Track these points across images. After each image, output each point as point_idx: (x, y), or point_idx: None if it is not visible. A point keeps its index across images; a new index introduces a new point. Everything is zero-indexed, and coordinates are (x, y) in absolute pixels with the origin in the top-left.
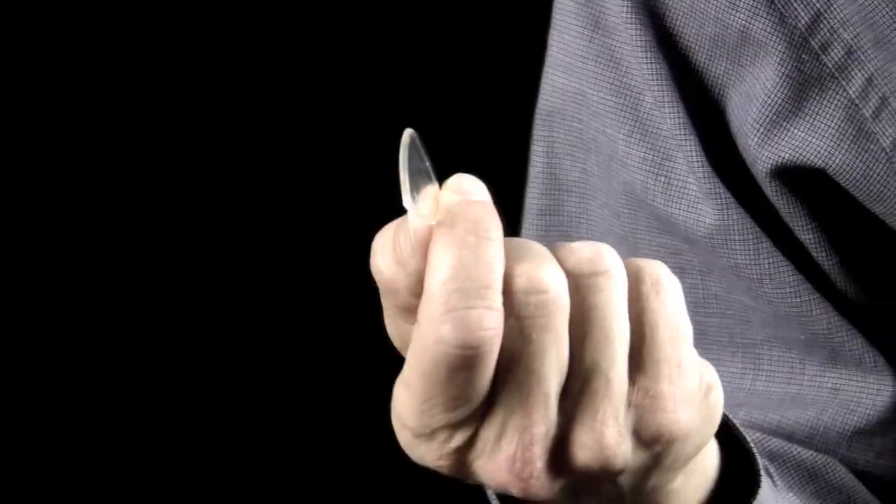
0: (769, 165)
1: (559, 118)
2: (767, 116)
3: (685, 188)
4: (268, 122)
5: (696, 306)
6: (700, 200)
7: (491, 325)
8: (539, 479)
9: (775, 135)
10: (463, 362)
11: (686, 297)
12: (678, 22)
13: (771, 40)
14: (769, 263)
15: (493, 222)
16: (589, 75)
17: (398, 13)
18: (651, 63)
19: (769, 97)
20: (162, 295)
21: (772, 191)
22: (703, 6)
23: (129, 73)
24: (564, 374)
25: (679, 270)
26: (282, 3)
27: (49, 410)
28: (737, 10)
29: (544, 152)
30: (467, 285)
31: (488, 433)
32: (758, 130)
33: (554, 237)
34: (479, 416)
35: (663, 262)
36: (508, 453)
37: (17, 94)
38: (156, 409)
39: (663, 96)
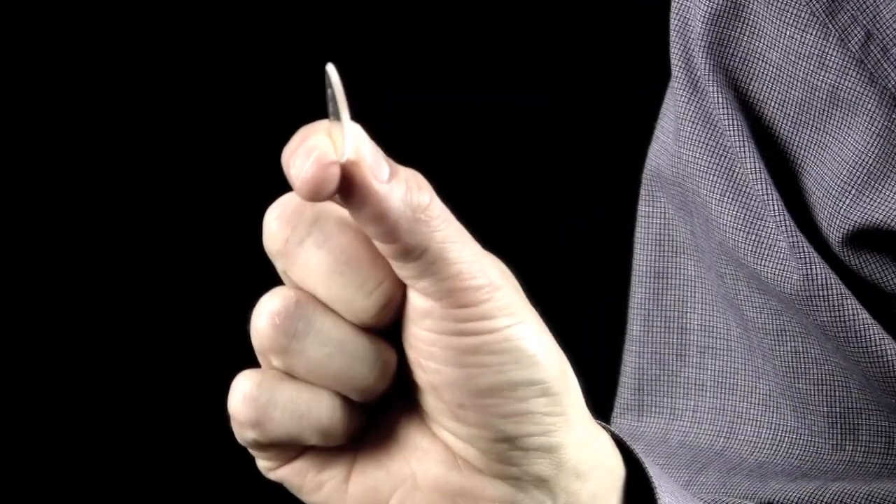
0: (859, 226)
1: (666, 180)
2: (859, 178)
3: (774, 246)
4: (267, 122)
5: (796, 372)
6: (788, 257)
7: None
8: None
9: (867, 196)
10: None
11: (785, 363)
12: (764, 88)
13: (861, 100)
14: (854, 321)
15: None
16: (685, 136)
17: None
18: (733, 120)
19: (860, 158)
20: (161, 295)
21: (853, 251)
22: (791, 69)
23: (128, 72)
24: None
25: (777, 333)
26: (282, 4)
27: (48, 411)
28: (826, 71)
29: (656, 213)
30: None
31: None
32: (848, 193)
33: (669, 302)
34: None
35: (765, 323)
36: None
37: (16, 94)
38: (155, 409)
39: (745, 152)
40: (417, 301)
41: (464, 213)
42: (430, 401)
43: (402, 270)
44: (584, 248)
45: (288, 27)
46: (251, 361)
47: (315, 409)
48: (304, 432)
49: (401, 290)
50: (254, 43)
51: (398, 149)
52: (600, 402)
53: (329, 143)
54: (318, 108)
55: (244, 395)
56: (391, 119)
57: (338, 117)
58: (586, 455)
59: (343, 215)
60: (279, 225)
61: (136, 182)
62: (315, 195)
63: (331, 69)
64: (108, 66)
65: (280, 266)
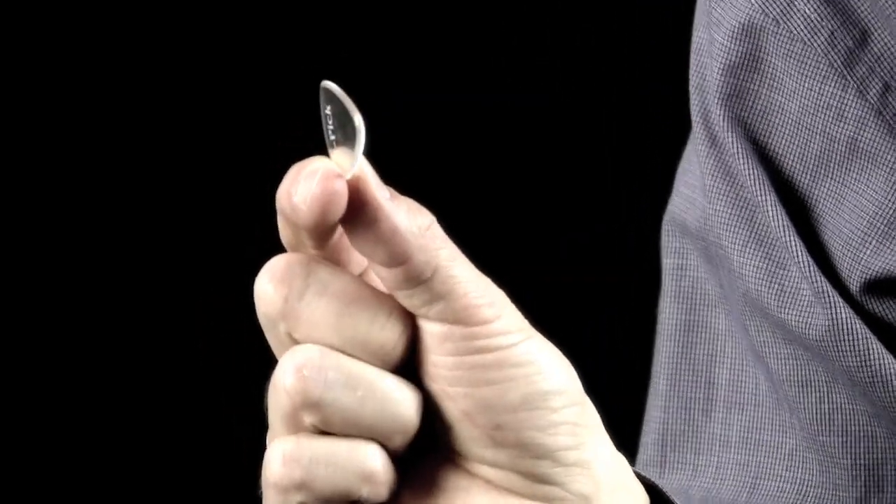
0: (880, 274)
1: (693, 235)
2: (879, 228)
3: (798, 293)
4: (268, 122)
5: (820, 424)
6: (812, 304)
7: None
8: None
9: (888, 245)
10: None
11: (810, 414)
12: (783, 141)
13: (880, 151)
14: (879, 366)
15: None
16: (706, 189)
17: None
18: (752, 171)
19: (880, 209)
20: (162, 295)
21: (874, 299)
22: (810, 121)
23: (128, 73)
24: None
25: (802, 385)
26: (282, 4)
27: (48, 411)
28: (845, 123)
29: (688, 266)
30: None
31: None
32: (869, 243)
33: (698, 356)
34: None
35: (790, 374)
36: None
37: (16, 94)
38: (154, 409)
39: (766, 201)
40: (432, 328)
41: (463, 217)
42: (463, 433)
43: (412, 299)
44: (585, 260)
45: (288, 28)
46: (251, 361)
47: (357, 458)
48: (351, 484)
49: (411, 319)
50: (254, 44)
51: (397, 149)
52: (605, 410)
53: (332, 164)
54: (317, 109)
55: (285, 456)
56: (390, 119)
57: (337, 141)
58: (616, 475)
59: (333, 264)
60: (275, 286)
61: (137, 182)
62: (325, 215)
63: (330, 85)
64: (109, 67)
65: (283, 329)
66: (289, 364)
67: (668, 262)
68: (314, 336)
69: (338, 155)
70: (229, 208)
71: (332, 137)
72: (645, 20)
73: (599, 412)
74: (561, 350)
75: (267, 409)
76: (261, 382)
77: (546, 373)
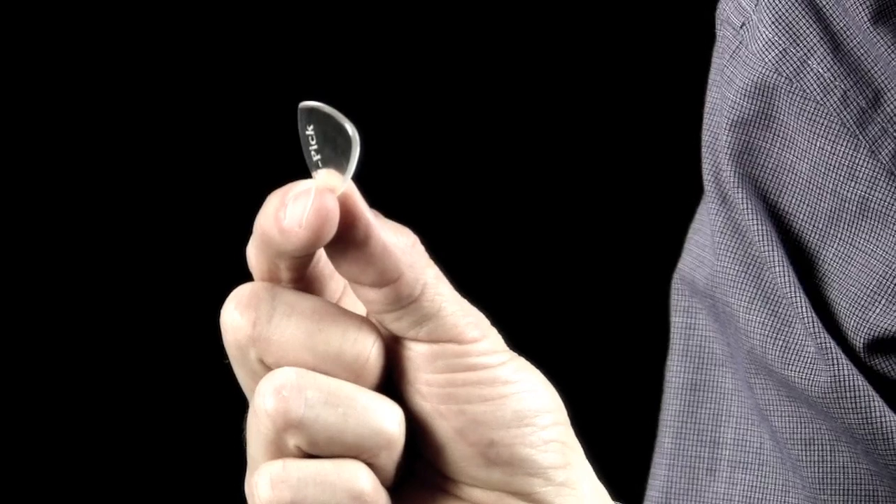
0: (891, 333)
1: (702, 293)
2: (889, 288)
3: (802, 350)
4: (267, 123)
5: (822, 483)
6: (816, 361)
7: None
8: None
9: (895, 305)
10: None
11: (812, 473)
12: (793, 200)
13: (892, 211)
14: (881, 424)
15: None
16: (715, 247)
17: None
18: (761, 226)
19: (890, 268)
20: (162, 295)
21: (882, 357)
22: (821, 180)
23: (128, 74)
24: None
25: (805, 443)
26: (281, 5)
27: (47, 411)
28: (856, 182)
29: (697, 325)
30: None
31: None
32: (878, 302)
33: (704, 415)
34: None
35: (793, 432)
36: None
37: (16, 94)
38: (154, 409)
39: (774, 257)
40: (420, 349)
41: (462, 225)
42: (455, 453)
43: (401, 321)
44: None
45: (287, 30)
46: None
47: (345, 477)
48: (341, 502)
49: (381, 335)
50: (254, 45)
51: (394, 150)
52: (608, 466)
53: (321, 183)
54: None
55: (272, 479)
56: (388, 119)
57: (323, 160)
58: (600, 501)
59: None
60: (242, 311)
61: (137, 183)
62: (319, 235)
63: (311, 104)
64: (109, 67)
65: (254, 356)
66: (267, 387)
67: (676, 320)
68: (287, 358)
69: (323, 175)
70: (229, 209)
71: (316, 158)
72: (646, 20)
73: (605, 468)
74: (551, 375)
75: (246, 446)
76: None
77: (535, 391)
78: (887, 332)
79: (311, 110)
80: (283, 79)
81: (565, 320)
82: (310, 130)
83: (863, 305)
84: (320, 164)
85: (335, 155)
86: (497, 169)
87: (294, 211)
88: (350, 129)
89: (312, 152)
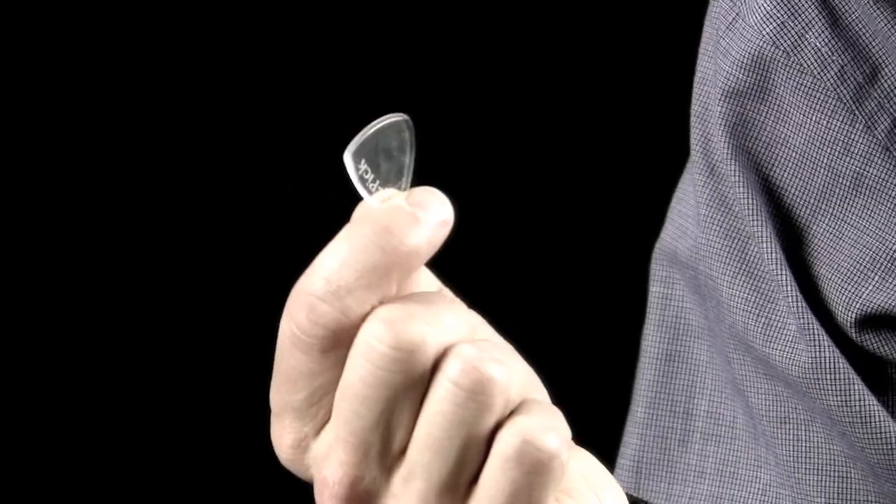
0: (883, 309)
1: (683, 264)
2: (882, 263)
3: (784, 328)
4: (268, 123)
5: (796, 461)
6: (797, 339)
7: (326, 326)
8: None
9: (888, 281)
10: (295, 341)
11: (787, 451)
12: (786, 174)
13: (885, 186)
14: (861, 406)
15: (404, 237)
16: (700, 219)
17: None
18: (751, 200)
19: (884, 244)
20: (162, 295)
21: (871, 332)
22: (815, 154)
23: (128, 74)
24: (401, 441)
25: (781, 421)
26: (281, 5)
27: (47, 411)
28: (851, 157)
29: (673, 296)
30: (334, 279)
31: (321, 444)
32: (871, 278)
33: (678, 386)
34: (317, 418)
35: (769, 410)
36: (325, 474)
37: (16, 94)
38: (154, 409)
39: (761, 232)
40: None
41: (461, 229)
42: None
43: None
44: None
45: (288, 30)
46: (250, 361)
47: None
48: None
49: None
50: (255, 46)
51: None
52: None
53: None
54: (317, 110)
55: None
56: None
57: (383, 182)
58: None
59: None
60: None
61: (137, 183)
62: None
63: (360, 138)
64: (109, 68)
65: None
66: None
67: (654, 290)
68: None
69: (383, 195)
70: (230, 209)
71: (375, 185)
72: (645, 20)
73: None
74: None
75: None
76: (263, 382)
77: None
78: (880, 308)
79: (356, 149)
80: (283, 78)
81: (542, 293)
82: (362, 167)
83: (855, 281)
84: (379, 188)
85: (392, 167)
86: (478, 148)
87: (429, 214)
88: (403, 120)
89: (371, 187)
